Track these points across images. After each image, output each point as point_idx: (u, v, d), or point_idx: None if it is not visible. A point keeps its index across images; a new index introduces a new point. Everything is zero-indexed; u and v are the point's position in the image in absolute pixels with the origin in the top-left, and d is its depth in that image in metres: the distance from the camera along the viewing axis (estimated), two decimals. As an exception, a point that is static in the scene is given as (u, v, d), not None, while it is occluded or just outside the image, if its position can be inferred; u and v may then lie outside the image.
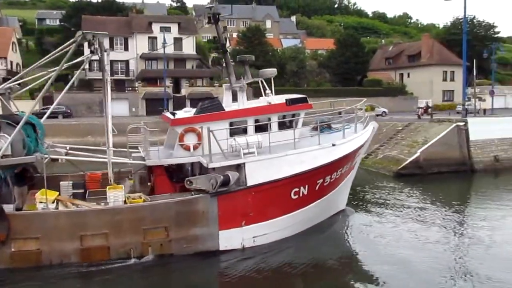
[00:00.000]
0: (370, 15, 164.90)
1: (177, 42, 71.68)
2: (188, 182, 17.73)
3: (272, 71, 21.19)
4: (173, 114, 19.86)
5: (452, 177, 32.85)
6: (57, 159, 18.64)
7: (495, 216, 22.99)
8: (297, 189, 18.86)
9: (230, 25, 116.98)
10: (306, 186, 19.10)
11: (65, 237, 16.03)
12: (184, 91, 66.78)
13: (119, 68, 73.64)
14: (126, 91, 68.76)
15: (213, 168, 17.45)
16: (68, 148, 20.23)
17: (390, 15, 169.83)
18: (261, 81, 20.64)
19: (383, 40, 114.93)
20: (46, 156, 17.51)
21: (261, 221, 18.16)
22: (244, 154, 17.82)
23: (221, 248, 17.54)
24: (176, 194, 18.31)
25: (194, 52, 75.40)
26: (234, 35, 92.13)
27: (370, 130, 21.82)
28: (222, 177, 17.02)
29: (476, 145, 35.13)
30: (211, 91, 71.05)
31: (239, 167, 17.69)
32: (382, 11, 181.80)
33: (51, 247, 15.92)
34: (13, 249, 15.68)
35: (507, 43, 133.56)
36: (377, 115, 55.38)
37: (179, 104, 64.79)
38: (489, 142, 35.81)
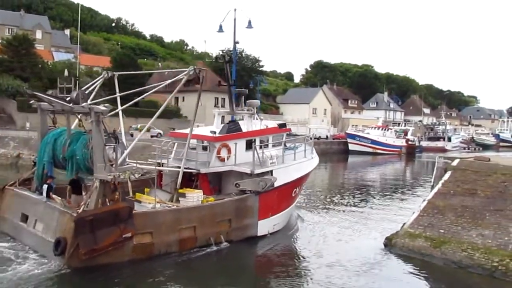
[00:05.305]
0: (148, 37, 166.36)
1: None
2: (237, 185, 22.10)
3: (257, 102, 28.09)
4: (214, 132, 23.70)
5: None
6: None
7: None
8: (295, 189, 25.59)
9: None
10: (299, 187, 26.32)
11: (169, 230, 19.11)
12: None
13: None
14: None
15: (251, 174, 22.29)
16: None
17: (167, 39, 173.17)
18: (252, 109, 26.12)
19: (160, 64, 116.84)
20: (129, 165, 20.45)
21: (278, 212, 23.88)
22: (270, 163, 23.26)
23: (259, 234, 22.71)
24: (223, 195, 22.82)
25: None
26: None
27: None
28: (271, 179, 22.30)
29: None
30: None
31: (267, 173, 22.81)
32: (159, 35, 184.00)
33: (160, 239, 18.79)
34: (134, 243, 17.98)
35: (269, 76, 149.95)
36: (152, 136, 55.73)
37: None
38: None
